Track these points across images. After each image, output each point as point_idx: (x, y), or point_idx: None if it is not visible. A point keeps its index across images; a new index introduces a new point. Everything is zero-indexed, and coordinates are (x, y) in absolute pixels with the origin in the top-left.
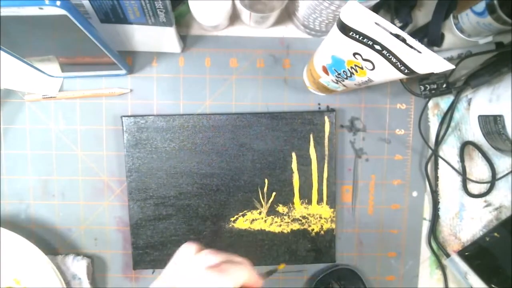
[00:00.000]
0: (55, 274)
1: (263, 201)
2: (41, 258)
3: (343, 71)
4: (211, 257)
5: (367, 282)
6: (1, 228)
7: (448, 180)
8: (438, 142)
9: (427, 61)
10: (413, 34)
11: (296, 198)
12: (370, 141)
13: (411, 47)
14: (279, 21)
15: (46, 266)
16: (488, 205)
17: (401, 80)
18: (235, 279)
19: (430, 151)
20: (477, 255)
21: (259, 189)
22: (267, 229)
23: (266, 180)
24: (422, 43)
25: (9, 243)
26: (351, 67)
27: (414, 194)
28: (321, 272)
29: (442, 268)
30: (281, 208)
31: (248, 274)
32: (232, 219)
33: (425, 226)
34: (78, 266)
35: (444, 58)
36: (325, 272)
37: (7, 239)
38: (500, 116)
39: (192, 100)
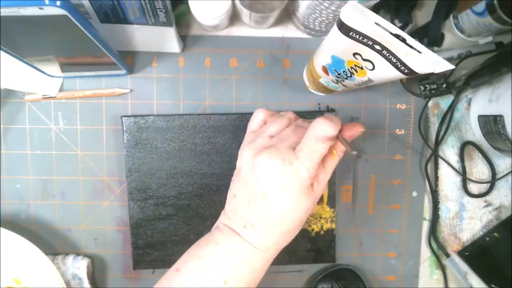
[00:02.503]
0: (55, 274)
1: None
2: (41, 258)
3: (343, 71)
4: (305, 121)
5: (367, 282)
6: (1, 228)
7: (448, 180)
8: (438, 142)
9: (427, 61)
10: (413, 34)
11: None
12: (370, 141)
13: (411, 47)
14: (279, 21)
15: (46, 266)
16: (488, 205)
17: (401, 80)
18: (338, 122)
19: (430, 151)
20: (477, 255)
21: None
22: None
23: None
24: (422, 43)
25: (9, 243)
26: (351, 67)
27: (414, 194)
28: (321, 272)
29: (442, 268)
30: None
31: (339, 119)
32: None
33: (425, 226)
34: (78, 266)
35: (444, 58)
36: (325, 272)
37: (7, 239)
38: (500, 116)
39: (192, 100)
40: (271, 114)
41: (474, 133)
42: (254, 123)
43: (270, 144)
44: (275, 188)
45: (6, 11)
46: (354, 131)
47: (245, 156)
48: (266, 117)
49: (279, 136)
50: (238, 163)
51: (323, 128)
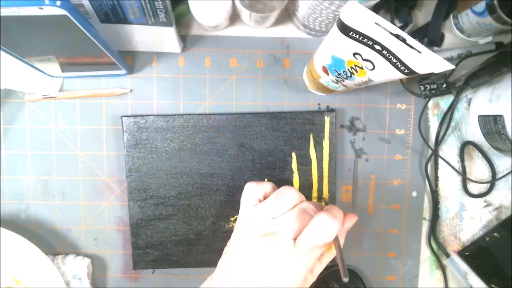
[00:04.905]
0: (55, 274)
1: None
2: (41, 258)
3: (343, 71)
4: (310, 205)
5: (367, 282)
6: (1, 228)
7: (448, 180)
8: (438, 142)
9: (427, 61)
10: (413, 34)
11: None
12: (370, 141)
13: (411, 47)
14: (279, 21)
15: (46, 266)
16: (488, 205)
17: (401, 80)
18: (341, 217)
19: (430, 151)
20: (477, 255)
21: None
22: None
23: (266, 180)
24: (422, 43)
25: (9, 243)
26: (351, 67)
27: (414, 194)
28: (321, 272)
29: (442, 268)
30: None
31: (341, 212)
32: (232, 219)
33: (425, 226)
34: (78, 266)
35: (444, 58)
36: (325, 272)
37: (7, 239)
38: (500, 116)
39: (192, 100)
40: (272, 188)
41: (474, 133)
42: (249, 199)
43: (271, 229)
44: (270, 279)
45: (6, 11)
46: (349, 222)
47: (244, 237)
48: (260, 191)
49: (281, 221)
50: (234, 237)
51: (328, 228)
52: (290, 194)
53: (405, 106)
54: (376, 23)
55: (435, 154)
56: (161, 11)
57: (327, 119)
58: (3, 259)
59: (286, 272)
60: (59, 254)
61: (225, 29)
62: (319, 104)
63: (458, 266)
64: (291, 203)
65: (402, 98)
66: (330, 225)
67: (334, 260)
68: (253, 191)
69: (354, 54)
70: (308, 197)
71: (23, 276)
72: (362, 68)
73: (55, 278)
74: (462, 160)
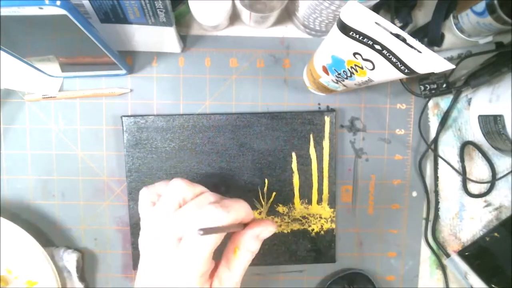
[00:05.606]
0: (48, 265)
1: (263, 201)
2: (34, 248)
3: (343, 71)
4: (211, 195)
5: (376, 283)
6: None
7: (448, 180)
8: (438, 142)
9: (427, 61)
10: (413, 34)
11: (296, 198)
12: (370, 141)
13: (411, 47)
14: (279, 21)
15: (39, 256)
16: (488, 205)
17: (401, 80)
18: (237, 213)
19: (430, 151)
20: (477, 255)
21: (259, 189)
22: None
23: (266, 180)
24: (422, 43)
25: (3, 232)
26: (351, 67)
27: (414, 194)
28: (334, 275)
29: (442, 268)
30: (281, 208)
31: (247, 209)
32: None
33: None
34: (68, 259)
35: (444, 58)
36: (338, 275)
37: (0, 228)
38: (500, 116)
39: (192, 100)
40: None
41: (474, 133)
42: (143, 205)
43: (157, 234)
44: (168, 273)
45: (6, 11)
46: (262, 229)
47: (142, 243)
48: (153, 193)
49: (167, 224)
50: (139, 241)
51: (212, 217)
52: (174, 187)
53: (405, 106)
54: (376, 23)
55: (435, 154)
56: (161, 11)
57: (327, 119)
58: None
59: (179, 273)
60: (51, 246)
61: (225, 29)
62: (319, 104)
63: (458, 266)
64: (177, 198)
65: (402, 98)
66: (217, 211)
67: (333, 259)
68: (144, 196)
69: (354, 54)
70: (308, 197)
71: (15, 265)
72: (362, 68)
73: (47, 269)
74: (462, 160)
